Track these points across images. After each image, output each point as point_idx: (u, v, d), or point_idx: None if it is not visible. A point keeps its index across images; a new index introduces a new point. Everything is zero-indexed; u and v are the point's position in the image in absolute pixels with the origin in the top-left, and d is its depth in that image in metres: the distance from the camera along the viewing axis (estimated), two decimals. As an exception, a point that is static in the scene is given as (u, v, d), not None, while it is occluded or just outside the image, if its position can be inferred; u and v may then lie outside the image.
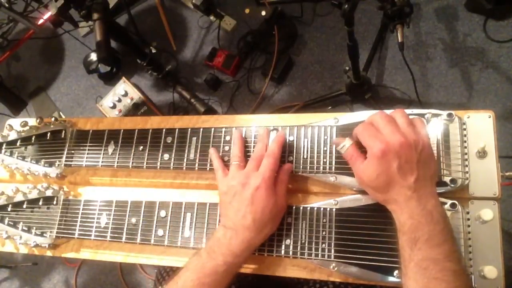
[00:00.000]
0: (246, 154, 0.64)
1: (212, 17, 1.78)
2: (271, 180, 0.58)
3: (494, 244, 0.54)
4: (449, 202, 0.55)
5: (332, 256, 0.57)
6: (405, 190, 0.50)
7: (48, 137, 0.77)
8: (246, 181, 0.58)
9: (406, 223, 0.50)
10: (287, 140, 0.63)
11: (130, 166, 0.70)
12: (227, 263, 0.56)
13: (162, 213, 0.66)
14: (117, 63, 1.94)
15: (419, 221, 0.49)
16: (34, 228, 0.72)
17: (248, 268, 0.63)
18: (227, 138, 0.66)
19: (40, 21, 1.58)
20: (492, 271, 0.53)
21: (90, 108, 1.96)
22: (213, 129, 0.67)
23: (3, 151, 0.78)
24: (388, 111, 0.55)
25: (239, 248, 0.56)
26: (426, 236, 0.48)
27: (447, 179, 0.56)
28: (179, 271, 0.58)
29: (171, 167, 0.67)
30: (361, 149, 0.55)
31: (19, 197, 0.74)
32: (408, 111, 0.59)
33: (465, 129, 0.58)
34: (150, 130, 0.71)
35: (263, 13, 1.62)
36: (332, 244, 0.57)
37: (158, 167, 0.68)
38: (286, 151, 0.63)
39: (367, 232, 0.57)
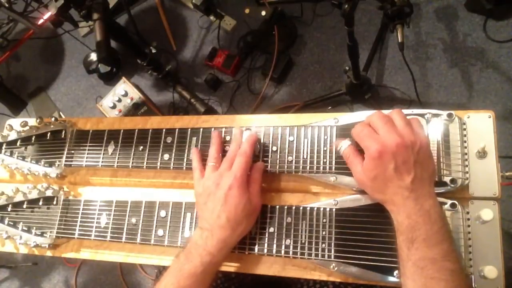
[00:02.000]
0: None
1: (212, 17, 1.78)
2: (243, 178, 0.58)
3: (494, 244, 0.54)
4: (449, 202, 0.55)
5: (332, 256, 0.57)
6: (402, 190, 0.50)
7: (48, 137, 0.77)
8: (219, 181, 0.59)
9: (403, 223, 0.50)
10: (287, 140, 0.63)
11: (130, 166, 0.70)
12: (205, 264, 0.56)
13: (162, 213, 0.66)
14: (117, 63, 1.94)
15: (416, 221, 0.49)
16: (34, 228, 0.72)
17: (249, 269, 0.63)
18: (227, 138, 0.66)
19: (40, 21, 1.58)
20: (492, 271, 0.53)
21: (90, 108, 1.96)
22: (213, 129, 0.67)
23: (3, 151, 0.78)
24: (386, 111, 0.55)
25: (216, 247, 0.57)
26: (423, 236, 0.48)
27: (447, 179, 0.56)
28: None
29: (171, 167, 0.67)
30: (360, 149, 0.55)
31: (19, 197, 0.74)
32: (408, 111, 0.59)
33: (465, 129, 0.58)
34: (150, 130, 0.71)
35: (263, 13, 1.62)
36: (332, 244, 0.57)
37: (158, 167, 0.68)
38: (261, 151, 0.63)
39: (367, 232, 0.57)
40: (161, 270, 0.81)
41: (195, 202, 0.63)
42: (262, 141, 0.64)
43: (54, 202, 0.73)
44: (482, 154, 0.57)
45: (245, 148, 0.61)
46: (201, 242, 0.57)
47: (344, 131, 0.60)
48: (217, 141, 0.64)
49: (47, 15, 1.46)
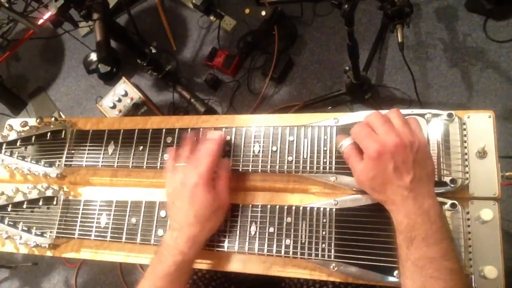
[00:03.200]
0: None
1: (212, 17, 1.78)
2: (208, 176, 0.59)
3: (494, 244, 0.54)
4: (449, 202, 0.55)
5: (332, 256, 0.57)
6: (402, 190, 0.50)
7: (48, 137, 0.77)
8: (185, 180, 0.59)
9: (402, 222, 0.50)
10: (287, 140, 0.63)
11: (130, 166, 0.70)
12: (177, 263, 0.57)
13: (162, 213, 0.66)
14: (117, 63, 1.94)
15: (415, 220, 0.49)
16: (34, 228, 0.72)
17: (249, 269, 0.63)
18: (227, 138, 0.66)
19: (40, 21, 1.58)
20: (492, 271, 0.53)
21: (90, 108, 1.96)
22: (213, 129, 0.67)
23: (3, 151, 0.78)
24: (385, 111, 0.56)
25: (186, 245, 0.58)
26: (422, 235, 0.48)
27: (447, 179, 0.56)
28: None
29: (171, 167, 0.67)
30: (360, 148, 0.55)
31: (19, 197, 0.74)
32: (408, 111, 0.59)
33: (465, 129, 0.58)
34: (150, 130, 0.70)
35: (263, 13, 1.62)
36: (332, 244, 0.57)
37: (158, 167, 0.68)
38: (231, 150, 0.65)
39: (367, 232, 0.57)
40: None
41: (166, 203, 0.64)
42: (233, 141, 0.64)
43: (54, 202, 0.73)
44: (482, 154, 0.57)
45: (211, 147, 0.61)
46: (171, 242, 0.58)
47: (344, 131, 0.60)
48: (189, 142, 0.65)
49: (47, 15, 1.46)
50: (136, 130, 0.71)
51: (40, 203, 0.73)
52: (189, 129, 0.68)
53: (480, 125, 0.59)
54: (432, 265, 0.47)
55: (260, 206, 0.62)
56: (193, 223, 0.58)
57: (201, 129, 0.67)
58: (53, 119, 0.77)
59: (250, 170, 0.63)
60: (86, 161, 0.73)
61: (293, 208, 0.60)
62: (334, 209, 0.59)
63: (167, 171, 0.64)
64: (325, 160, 0.60)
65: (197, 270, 0.76)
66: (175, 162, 0.63)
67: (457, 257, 0.49)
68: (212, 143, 0.62)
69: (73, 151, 0.75)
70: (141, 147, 0.70)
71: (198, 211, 0.58)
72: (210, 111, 1.71)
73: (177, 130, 0.69)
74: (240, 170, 0.64)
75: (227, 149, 0.65)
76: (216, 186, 0.61)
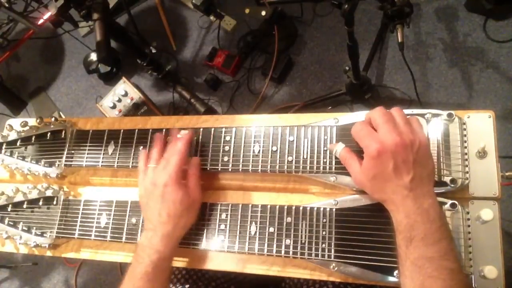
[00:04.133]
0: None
1: (212, 17, 1.77)
2: (178, 175, 0.61)
3: (494, 244, 0.54)
4: (449, 202, 0.55)
5: (332, 256, 0.57)
6: (401, 189, 0.50)
7: (48, 137, 0.77)
8: (155, 181, 0.61)
9: (402, 222, 0.50)
10: (287, 140, 0.63)
11: (130, 166, 0.70)
12: (154, 261, 0.58)
13: (162, 213, 0.66)
14: (117, 63, 1.94)
15: (415, 219, 0.49)
16: (34, 228, 0.72)
17: (249, 269, 0.63)
18: (227, 138, 0.66)
19: (40, 21, 1.58)
20: (492, 271, 0.53)
21: (90, 108, 1.96)
22: (213, 129, 0.67)
23: (3, 151, 0.78)
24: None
25: (161, 244, 0.59)
26: (422, 235, 0.48)
27: (447, 179, 0.56)
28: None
29: (171, 167, 0.67)
30: (359, 149, 0.55)
31: (19, 197, 0.74)
32: (408, 111, 0.59)
33: (465, 129, 0.58)
34: (150, 130, 0.70)
35: (263, 13, 1.61)
36: (332, 244, 0.57)
37: (158, 167, 0.68)
38: (198, 149, 0.67)
39: (367, 232, 0.57)
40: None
41: (140, 204, 0.65)
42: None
43: (54, 202, 0.73)
44: (482, 154, 0.57)
45: (179, 147, 0.63)
46: (146, 243, 0.60)
47: (344, 131, 0.60)
48: (159, 143, 0.66)
49: (47, 15, 1.46)
50: (136, 130, 0.71)
51: (40, 203, 0.73)
52: (164, 130, 0.69)
53: (480, 125, 0.59)
54: (431, 265, 0.47)
55: (260, 206, 0.62)
56: (166, 221, 0.60)
57: (164, 130, 0.68)
58: (53, 119, 0.77)
59: (250, 170, 0.63)
60: (86, 161, 0.73)
61: (293, 208, 0.60)
62: (334, 209, 0.59)
63: (138, 173, 0.65)
64: (325, 160, 0.60)
65: (197, 270, 0.76)
66: (145, 164, 0.64)
67: (456, 257, 0.49)
68: (180, 142, 0.63)
69: (73, 151, 0.75)
70: (141, 147, 0.70)
71: (170, 209, 0.60)
72: (210, 111, 1.71)
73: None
74: (239, 169, 0.64)
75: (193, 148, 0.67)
76: (186, 184, 0.62)
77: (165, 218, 0.60)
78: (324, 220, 0.59)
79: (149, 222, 0.62)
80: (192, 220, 0.62)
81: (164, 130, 0.69)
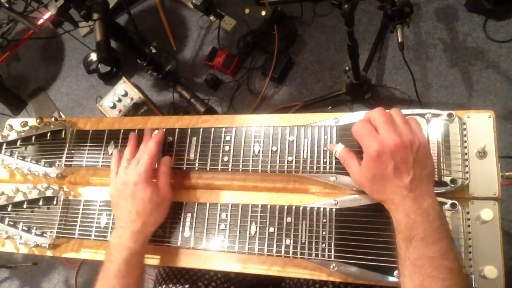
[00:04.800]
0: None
1: (212, 17, 1.78)
2: (147, 173, 0.63)
3: (494, 244, 0.54)
4: (449, 202, 0.55)
5: (332, 256, 0.57)
6: (401, 189, 0.50)
7: (48, 137, 0.77)
8: (126, 180, 0.63)
9: (402, 222, 0.50)
10: (287, 140, 0.63)
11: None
12: (126, 258, 0.60)
13: (162, 213, 0.66)
14: (117, 63, 1.94)
15: (414, 219, 0.49)
16: (34, 228, 0.72)
17: (249, 269, 0.63)
18: (227, 138, 0.66)
19: (40, 21, 1.58)
20: (492, 271, 0.53)
21: (90, 108, 1.96)
22: (213, 129, 0.67)
23: (3, 151, 0.78)
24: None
25: (131, 241, 0.61)
26: (421, 235, 0.48)
27: (447, 179, 0.56)
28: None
29: (171, 167, 0.67)
30: (359, 148, 0.55)
31: (19, 197, 0.74)
32: (408, 111, 0.59)
33: (465, 129, 0.58)
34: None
35: (263, 13, 1.61)
36: (332, 244, 0.57)
37: (158, 167, 0.68)
38: (173, 149, 0.68)
39: (367, 232, 0.57)
40: (161, 270, 0.81)
41: (111, 204, 0.66)
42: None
43: (54, 202, 0.73)
44: (482, 154, 0.57)
45: (150, 146, 0.65)
46: (117, 241, 0.61)
47: (344, 131, 0.60)
48: (132, 143, 0.68)
49: (47, 15, 1.46)
50: (136, 130, 0.71)
51: (40, 203, 0.73)
52: (136, 130, 0.70)
53: (480, 125, 0.59)
54: (430, 264, 0.47)
55: (260, 206, 0.62)
56: (135, 219, 0.61)
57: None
58: (53, 119, 0.77)
59: (250, 170, 0.63)
60: (86, 161, 0.73)
61: (293, 208, 0.60)
62: (334, 209, 0.59)
63: (110, 173, 0.67)
64: (325, 160, 0.60)
65: (196, 270, 0.76)
66: (118, 164, 0.66)
67: (456, 257, 0.49)
68: (151, 142, 0.65)
69: (73, 151, 0.75)
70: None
71: (139, 207, 0.61)
72: (210, 111, 1.71)
73: (177, 130, 0.69)
74: (239, 169, 0.64)
75: (169, 145, 0.68)
76: (156, 183, 0.64)
77: (135, 216, 0.62)
78: (324, 220, 0.59)
79: (120, 221, 0.63)
80: (162, 218, 0.64)
81: (136, 130, 0.71)
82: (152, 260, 0.68)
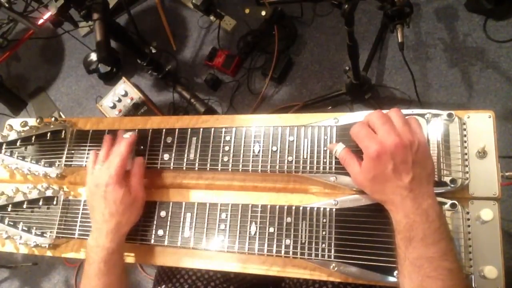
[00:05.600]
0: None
1: (212, 17, 1.78)
2: (119, 175, 0.64)
3: (494, 244, 0.54)
4: (449, 202, 0.55)
5: (332, 256, 0.57)
6: (401, 190, 0.50)
7: (48, 137, 0.77)
8: (98, 181, 0.65)
9: (401, 222, 0.50)
10: (287, 140, 0.63)
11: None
12: (104, 258, 0.61)
13: (162, 213, 0.66)
14: (117, 63, 1.94)
15: (414, 220, 0.49)
16: (34, 228, 0.72)
17: (249, 269, 0.63)
18: (227, 138, 0.66)
19: (40, 21, 1.58)
20: (492, 271, 0.53)
21: (90, 108, 1.96)
22: (213, 129, 0.67)
23: (3, 151, 0.78)
24: (385, 111, 0.55)
25: (106, 240, 0.62)
26: (421, 235, 0.48)
27: (447, 179, 0.56)
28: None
29: (171, 167, 0.67)
30: (359, 148, 0.55)
31: (19, 197, 0.74)
32: (408, 111, 0.59)
33: (465, 129, 0.58)
34: (150, 130, 0.70)
35: (263, 13, 1.61)
36: (332, 244, 0.57)
37: (158, 167, 0.68)
38: (147, 149, 0.69)
39: (367, 232, 0.57)
40: (160, 271, 0.81)
41: (88, 207, 0.68)
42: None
43: (54, 202, 0.73)
44: (482, 154, 0.57)
45: (121, 148, 0.66)
46: (93, 243, 0.63)
47: (344, 131, 0.60)
48: (106, 144, 0.69)
49: (47, 15, 1.46)
50: (136, 130, 0.71)
51: (40, 203, 0.73)
52: (201, 129, 0.69)
53: (480, 125, 0.59)
54: (430, 265, 0.47)
55: (260, 206, 0.62)
56: (109, 220, 0.63)
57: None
58: (53, 119, 0.77)
59: (250, 170, 0.63)
60: (86, 161, 0.73)
61: (293, 208, 0.60)
62: (334, 209, 0.59)
63: (87, 175, 0.68)
64: (325, 160, 0.60)
65: (196, 270, 0.76)
66: (93, 165, 0.67)
67: (455, 257, 0.49)
68: (123, 144, 0.66)
69: (73, 151, 0.75)
70: (141, 147, 0.70)
71: (112, 208, 0.63)
72: (210, 111, 1.71)
73: (177, 130, 0.69)
74: (239, 169, 0.64)
75: (141, 148, 0.69)
76: (128, 183, 0.65)
77: (108, 217, 0.63)
78: (324, 220, 0.59)
79: (95, 222, 0.65)
80: (135, 217, 0.66)
81: (107, 131, 0.72)
82: (152, 260, 0.68)
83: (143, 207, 0.67)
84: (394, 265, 0.54)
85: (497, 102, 1.40)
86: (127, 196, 0.64)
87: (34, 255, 0.68)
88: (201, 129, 0.68)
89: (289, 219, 0.60)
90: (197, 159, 0.66)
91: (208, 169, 0.66)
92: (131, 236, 0.66)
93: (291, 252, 0.59)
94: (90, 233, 0.65)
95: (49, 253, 0.74)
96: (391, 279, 0.54)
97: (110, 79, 1.95)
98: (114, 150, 0.67)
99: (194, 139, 0.68)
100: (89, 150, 0.73)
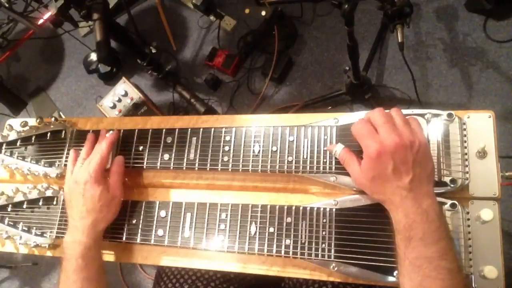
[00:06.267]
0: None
1: (212, 17, 1.78)
2: (97, 173, 0.65)
3: (494, 244, 0.54)
4: (449, 202, 0.55)
5: (332, 256, 0.57)
6: (401, 190, 0.50)
7: (48, 137, 0.77)
8: (77, 179, 0.66)
9: (401, 222, 0.50)
10: (287, 140, 0.63)
11: (131, 166, 0.70)
12: (81, 253, 0.62)
13: (162, 213, 0.66)
14: (117, 63, 1.94)
15: (413, 219, 0.49)
16: (34, 228, 0.72)
17: (249, 269, 0.63)
18: (227, 138, 0.66)
19: (40, 21, 1.58)
20: (492, 271, 0.53)
21: (90, 108, 1.96)
22: (213, 129, 0.67)
23: (3, 151, 0.78)
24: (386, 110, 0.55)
25: (82, 236, 0.63)
26: (420, 235, 0.48)
27: (447, 179, 0.56)
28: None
29: (171, 167, 0.67)
30: (358, 148, 0.55)
31: (19, 197, 0.74)
32: (408, 111, 0.59)
33: (465, 129, 0.58)
34: (150, 130, 0.71)
35: (263, 13, 1.62)
36: (332, 244, 0.57)
37: (158, 167, 0.68)
38: (147, 148, 0.70)
39: (367, 232, 0.57)
40: (160, 271, 0.81)
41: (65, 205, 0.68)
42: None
43: (54, 202, 0.73)
44: (482, 154, 0.57)
45: (101, 147, 0.68)
46: (70, 240, 0.64)
47: (344, 131, 0.60)
48: (88, 142, 0.70)
49: (47, 15, 1.46)
50: (136, 130, 0.71)
51: (40, 203, 0.73)
52: (90, 131, 0.71)
53: (480, 125, 0.59)
54: (429, 265, 0.47)
55: (260, 206, 0.62)
56: (85, 216, 0.64)
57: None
58: (53, 119, 0.77)
59: (250, 170, 0.63)
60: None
61: (293, 208, 0.60)
62: (334, 209, 0.59)
63: (66, 173, 0.69)
64: (325, 160, 0.60)
65: (196, 271, 0.76)
66: (73, 163, 0.69)
67: (455, 257, 0.49)
68: (103, 143, 0.68)
69: (73, 151, 0.74)
70: (141, 147, 0.70)
71: (89, 204, 0.64)
72: (210, 111, 1.71)
73: (177, 130, 0.69)
74: (239, 169, 0.64)
75: (141, 148, 0.70)
76: (107, 181, 0.67)
77: (85, 213, 0.64)
78: (324, 220, 0.59)
79: (72, 219, 0.66)
80: (112, 215, 0.67)
81: (90, 130, 0.74)
82: (152, 260, 0.68)
83: (120, 205, 0.68)
84: (394, 265, 0.54)
85: (497, 102, 1.40)
86: (105, 193, 0.65)
87: (34, 255, 0.68)
88: (201, 129, 0.68)
89: (289, 219, 0.60)
90: (197, 159, 0.66)
91: (208, 169, 0.66)
92: (131, 236, 0.66)
93: (291, 252, 0.59)
94: (66, 231, 0.66)
95: (49, 253, 0.74)
96: (391, 279, 0.54)
97: (110, 79, 1.95)
98: (95, 148, 0.68)
99: (194, 139, 0.68)
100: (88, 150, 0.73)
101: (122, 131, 0.72)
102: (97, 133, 0.72)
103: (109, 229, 0.68)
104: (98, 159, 0.66)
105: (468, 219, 0.56)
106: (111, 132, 0.71)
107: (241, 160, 0.64)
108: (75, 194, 0.66)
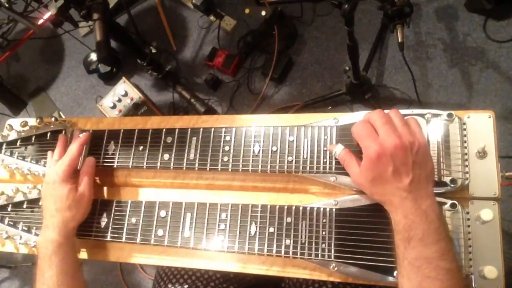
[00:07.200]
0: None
1: (212, 17, 1.78)
2: (66, 173, 0.67)
3: (494, 244, 0.54)
4: (449, 202, 0.55)
5: (332, 256, 0.57)
6: (400, 191, 0.50)
7: (48, 137, 0.77)
8: (49, 179, 0.69)
9: (400, 222, 0.50)
10: (287, 140, 0.63)
11: (130, 166, 0.70)
12: (53, 250, 0.64)
13: (162, 213, 0.66)
14: (117, 63, 1.94)
15: (413, 220, 0.49)
16: (34, 228, 0.72)
17: (249, 269, 0.63)
18: (227, 138, 0.66)
19: (40, 21, 1.58)
20: (492, 271, 0.53)
21: (90, 108, 1.96)
22: (213, 129, 0.67)
23: (3, 151, 0.78)
24: (385, 111, 0.55)
25: (54, 234, 0.65)
26: (419, 235, 0.48)
27: (447, 179, 0.56)
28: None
29: (171, 167, 0.67)
30: (358, 149, 0.55)
31: (19, 197, 0.74)
32: (408, 111, 0.59)
33: (465, 129, 0.58)
34: (150, 130, 0.71)
35: (263, 13, 1.61)
36: (332, 244, 0.57)
37: (158, 167, 0.68)
38: (147, 149, 0.70)
39: (367, 232, 0.57)
40: (160, 271, 0.81)
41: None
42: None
43: (54, 202, 0.73)
44: (482, 154, 0.57)
45: (71, 148, 0.70)
46: (42, 240, 0.66)
47: (344, 131, 0.60)
48: (60, 144, 0.72)
49: (47, 15, 1.46)
50: (136, 130, 0.71)
51: (40, 203, 0.73)
52: (201, 129, 0.69)
53: (480, 125, 0.59)
54: (429, 265, 0.47)
55: (260, 206, 0.62)
56: (54, 214, 0.66)
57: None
58: (53, 119, 0.77)
59: (250, 170, 0.63)
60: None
61: (293, 208, 0.60)
62: (334, 209, 0.59)
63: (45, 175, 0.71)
64: (325, 160, 0.60)
65: (195, 270, 0.76)
66: (49, 164, 0.71)
67: (455, 258, 0.49)
68: (74, 144, 0.70)
69: (73, 151, 0.74)
70: (141, 147, 0.70)
71: (57, 203, 0.66)
72: (210, 111, 1.71)
73: (177, 130, 0.69)
74: (239, 169, 0.64)
75: (141, 148, 0.70)
76: (76, 181, 0.69)
77: (54, 212, 0.66)
78: (324, 220, 0.59)
79: (44, 219, 0.67)
80: (81, 214, 0.68)
81: (63, 131, 0.76)
82: (152, 260, 0.68)
83: (90, 205, 0.69)
84: (394, 265, 0.54)
85: (497, 102, 1.40)
86: (73, 193, 0.67)
87: (34, 255, 0.68)
88: (201, 129, 0.68)
89: (289, 219, 0.60)
90: (197, 159, 0.66)
91: (208, 169, 0.66)
92: (130, 236, 0.66)
93: (291, 252, 0.59)
94: (40, 231, 0.67)
95: (49, 253, 0.74)
96: (391, 279, 0.54)
97: (110, 79, 1.95)
98: (68, 149, 0.70)
99: (194, 139, 0.68)
100: (89, 150, 0.73)
101: (122, 131, 0.72)
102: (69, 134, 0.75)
103: (109, 229, 0.68)
104: (67, 160, 0.68)
105: (468, 219, 0.56)
106: (84, 133, 0.73)
107: (241, 160, 0.64)
108: (47, 194, 0.68)
